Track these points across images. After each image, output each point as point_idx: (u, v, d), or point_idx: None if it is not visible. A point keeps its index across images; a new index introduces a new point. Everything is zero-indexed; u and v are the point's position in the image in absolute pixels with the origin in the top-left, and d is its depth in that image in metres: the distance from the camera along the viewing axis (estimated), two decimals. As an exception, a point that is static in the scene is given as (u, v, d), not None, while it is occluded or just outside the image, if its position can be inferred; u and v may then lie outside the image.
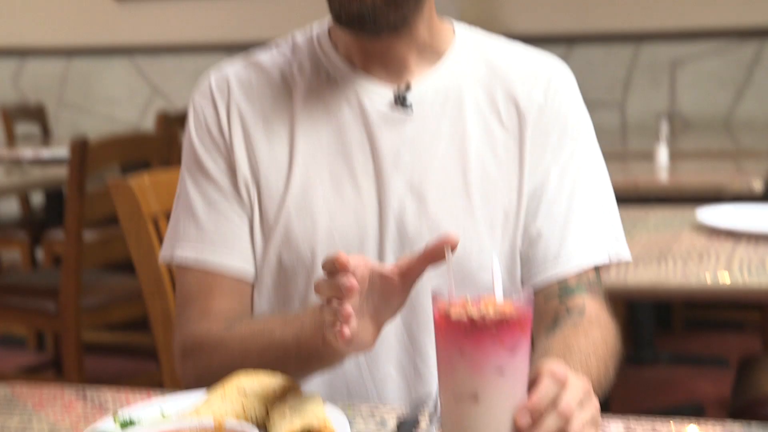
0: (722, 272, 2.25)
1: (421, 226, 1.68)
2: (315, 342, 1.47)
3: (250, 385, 1.42)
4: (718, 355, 4.66)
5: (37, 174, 4.65)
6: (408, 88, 1.71)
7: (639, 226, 2.76)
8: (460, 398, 1.22)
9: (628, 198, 3.38)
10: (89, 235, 3.76)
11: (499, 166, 1.70)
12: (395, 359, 1.70)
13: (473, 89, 1.73)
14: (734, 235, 2.58)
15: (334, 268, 1.33)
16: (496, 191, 1.70)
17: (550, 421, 1.23)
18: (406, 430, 1.38)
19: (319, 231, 1.69)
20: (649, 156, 3.97)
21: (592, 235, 1.70)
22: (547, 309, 1.68)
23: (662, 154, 3.84)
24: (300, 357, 1.52)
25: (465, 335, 1.20)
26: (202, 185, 1.73)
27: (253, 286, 1.73)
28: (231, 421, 1.27)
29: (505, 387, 1.21)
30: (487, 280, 1.34)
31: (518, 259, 1.72)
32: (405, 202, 1.68)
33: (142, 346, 4.98)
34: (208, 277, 1.71)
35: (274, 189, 1.70)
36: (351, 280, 1.31)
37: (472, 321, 1.19)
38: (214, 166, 1.72)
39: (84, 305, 3.73)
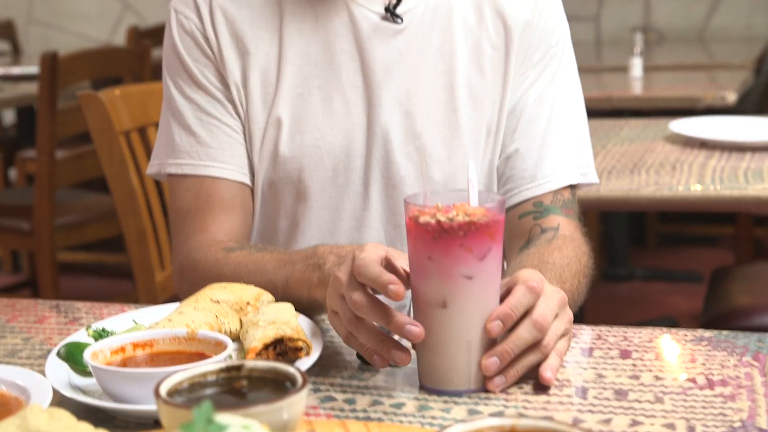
0: (694, 182, 2.26)
1: (407, 144, 1.68)
2: (301, 290, 1.46)
3: (224, 295, 1.42)
4: (691, 270, 4.69)
5: (8, 91, 4.60)
6: (399, 1, 1.69)
7: (613, 138, 2.76)
8: (429, 305, 1.22)
9: (602, 111, 3.38)
10: (63, 154, 3.73)
11: (485, 83, 1.69)
12: None
13: (462, 5, 1.71)
14: (707, 146, 2.59)
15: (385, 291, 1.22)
16: (481, 108, 1.69)
17: (525, 332, 1.23)
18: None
19: (307, 145, 1.68)
20: (623, 70, 3.96)
21: (567, 156, 1.71)
22: (521, 227, 1.68)
23: (636, 67, 3.83)
24: (286, 299, 1.51)
25: (433, 240, 1.20)
26: (191, 95, 1.70)
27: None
28: (204, 331, 1.26)
29: (474, 294, 1.21)
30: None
31: (495, 176, 1.72)
32: (393, 118, 1.67)
33: (119, 266, 4.98)
34: (205, 190, 1.69)
35: (264, 99, 1.68)
36: (418, 330, 1.21)
37: (439, 224, 1.19)
38: (204, 75, 1.69)
39: (58, 224, 3.72)
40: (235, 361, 1.06)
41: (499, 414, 1.18)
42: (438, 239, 1.20)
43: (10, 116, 5.88)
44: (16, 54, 6.05)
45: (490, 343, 1.24)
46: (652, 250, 5.09)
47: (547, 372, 1.23)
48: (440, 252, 1.20)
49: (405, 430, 1.08)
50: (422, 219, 1.21)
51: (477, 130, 1.69)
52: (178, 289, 1.71)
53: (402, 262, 1.27)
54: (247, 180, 1.71)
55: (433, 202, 1.25)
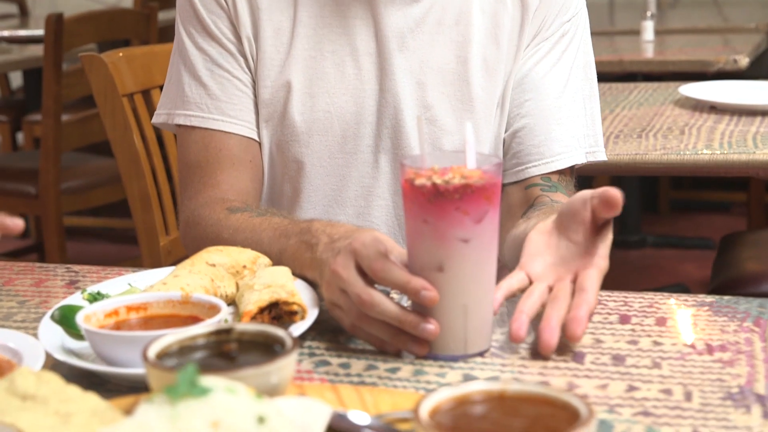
0: (702, 146, 2.23)
1: (419, 114, 1.65)
2: (293, 266, 1.42)
3: (220, 258, 1.41)
4: (704, 237, 4.67)
5: (15, 54, 4.58)
6: None
7: (621, 102, 2.73)
8: (425, 269, 1.20)
9: (613, 75, 3.35)
10: (69, 117, 3.72)
11: (500, 56, 1.67)
12: None
13: None
14: (717, 110, 2.55)
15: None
16: (495, 81, 1.67)
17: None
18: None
19: (318, 110, 1.66)
20: (636, 33, 3.92)
21: (576, 134, 1.69)
22: (527, 196, 1.67)
23: (648, 30, 3.78)
24: None
25: (428, 202, 1.18)
26: (204, 46, 1.69)
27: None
28: (198, 294, 1.25)
29: (470, 258, 1.19)
30: None
31: (501, 148, 1.70)
32: (405, 88, 1.65)
33: (126, 231, 4.98)
34: (215, 144, 1.68)
35: (275, 58, 1.66)
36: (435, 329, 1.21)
37: (435, 186, 1.17)
38: (217, 26, 1.68)
39: (64, 188, 3.71)
40: (225, 324, 1.04)
41: (495, 379, 1.17)
42: (433, 202, 1.18)
43: (18, 79, 5.86)
44: (24, 16, 6.03)
45: (486, 308, 1.22)
46: (664, 217, 5.07)
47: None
48: (436, 215, 1.18)
49: (396, 395, 1.07)
50: (418, 181, 1.19)
51: (490, 102, 1.68)
52: (183, 241, 1.70)
53: (396, 255, 1.23)
54: (257, 136, 1.70)
55: (431, 164, 1.23)
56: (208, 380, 0.82)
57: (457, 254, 1.19)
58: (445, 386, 0.86)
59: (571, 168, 1.71)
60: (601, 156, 1.74)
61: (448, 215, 1.18)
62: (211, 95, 1.68)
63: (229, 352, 1.02)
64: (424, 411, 0.83)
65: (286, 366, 0.96)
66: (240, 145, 1.68)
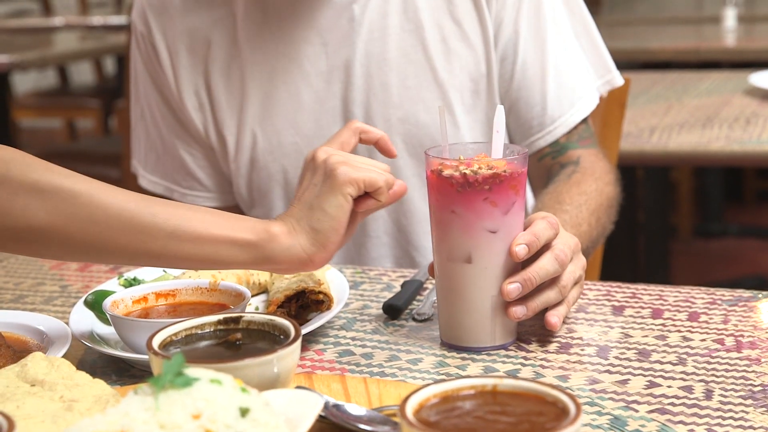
0: (767, 136, 2.18)
1: (390, 116, 1.60)
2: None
3: (254, 247, 1.41)
4: (789, 228, 4.58)
5: (108, 40, 4.68)
6: None
7: (690, 91, 2.68)
8: (453, 260, 1.19)
9: (688, 62, 3.28)
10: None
11: (462, 32, 1.60)
12: (390, 255, 1.67)
13: None
14: (787, 100, 2.50)
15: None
16: (459, 56, 1.60)
17: (546, 263, 1.20)
18: (410, 290, 1.36)
19: (285, 145, 1.62)
20: (719, 20, 3.83)
21: (574, 87, 1.62)
22: (541, 168, 1.64)
23: (729, 17, 3.70)
24: None
25: (457, 193, 1.17)
26: (157, 108, 1.70)
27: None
28: (225, 282, 1.26)
29: (498, 249, 1.18)
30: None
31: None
32: (368, 94, 1.60)
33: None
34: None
35: (230, 104, 1.63)
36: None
37: (464, 177, 1.16)
38: (164, 101, 1.68)
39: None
40: (233, 313, 1.05)
41: (516, 372, 1.16)
42: (462, 192, 1.17)
43: (111, 66, 5.95)
44: (119, 5, 6.12)
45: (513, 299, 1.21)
46: (748, 207, 4.96)
47: (553, 317, 1.22)
48: (464, 205, 1.17)
49: (402, 387, 1.06)
50: (446, 172, 1.18)
51: (459, 81, 1.61)
52: None
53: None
54: (217, 201, 1.72)
55: (453, 154, 1.22)
56: (193, 371, 0.82)
57: (485, 245, 1.18)
58: (438, 381, 0.86)
59: (584, 119, 1.64)
60: (618, 80, 1.67)
61: (476, 206, 1.17)
62: (165, 166, 1.72)
63: (234, 341, 1.02)
64: (410, 406, 0.82)
65: (286, 356, 0.96)
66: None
